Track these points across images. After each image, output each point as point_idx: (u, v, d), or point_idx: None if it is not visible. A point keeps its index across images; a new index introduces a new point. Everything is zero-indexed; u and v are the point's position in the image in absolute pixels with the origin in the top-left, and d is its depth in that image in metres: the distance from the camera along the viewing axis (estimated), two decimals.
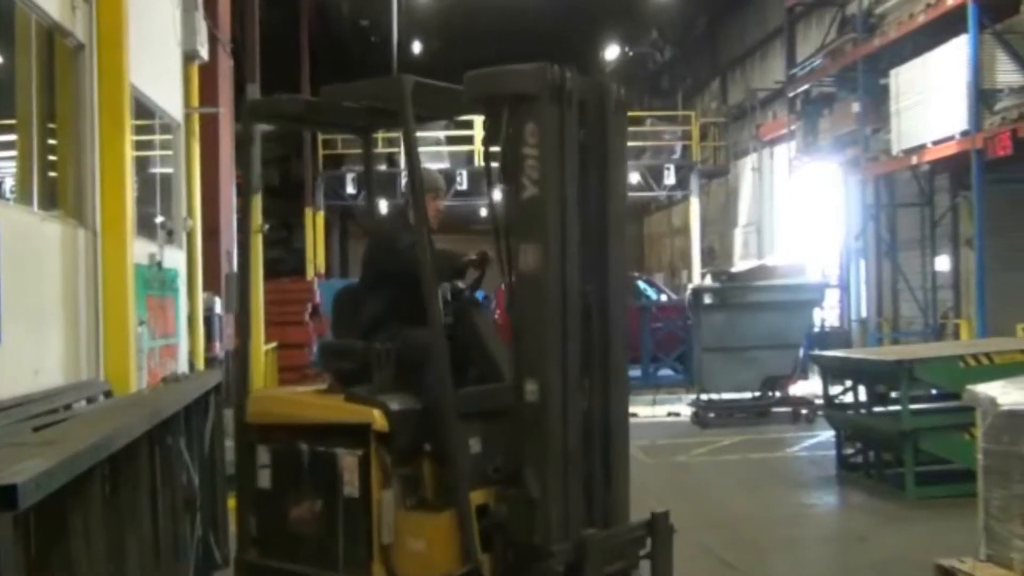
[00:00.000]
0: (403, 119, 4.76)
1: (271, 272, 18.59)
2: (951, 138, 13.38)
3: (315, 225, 23.61)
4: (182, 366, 11.23)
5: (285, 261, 24.39)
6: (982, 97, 12.75)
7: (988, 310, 12.78)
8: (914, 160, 14.63)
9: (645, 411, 13.97)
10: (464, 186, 24.79)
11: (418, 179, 4.75)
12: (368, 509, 4.47)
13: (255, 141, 4.47)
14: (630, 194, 25.21)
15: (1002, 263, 13.41)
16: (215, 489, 5.98)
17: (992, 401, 5.63)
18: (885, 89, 15.34)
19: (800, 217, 21.32)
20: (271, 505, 4.78)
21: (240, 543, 5.01)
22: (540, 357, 4.38)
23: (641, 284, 20.88)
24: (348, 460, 4.52)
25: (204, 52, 12.33)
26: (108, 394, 6.88)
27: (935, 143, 13.78)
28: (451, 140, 25.05)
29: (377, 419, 4.51)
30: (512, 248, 4.55)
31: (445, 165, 24.88)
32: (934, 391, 9.13)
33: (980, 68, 12.77)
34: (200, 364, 12.00)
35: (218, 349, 13.34)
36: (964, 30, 12.86)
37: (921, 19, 14.24)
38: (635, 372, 15.79)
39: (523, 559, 4.32)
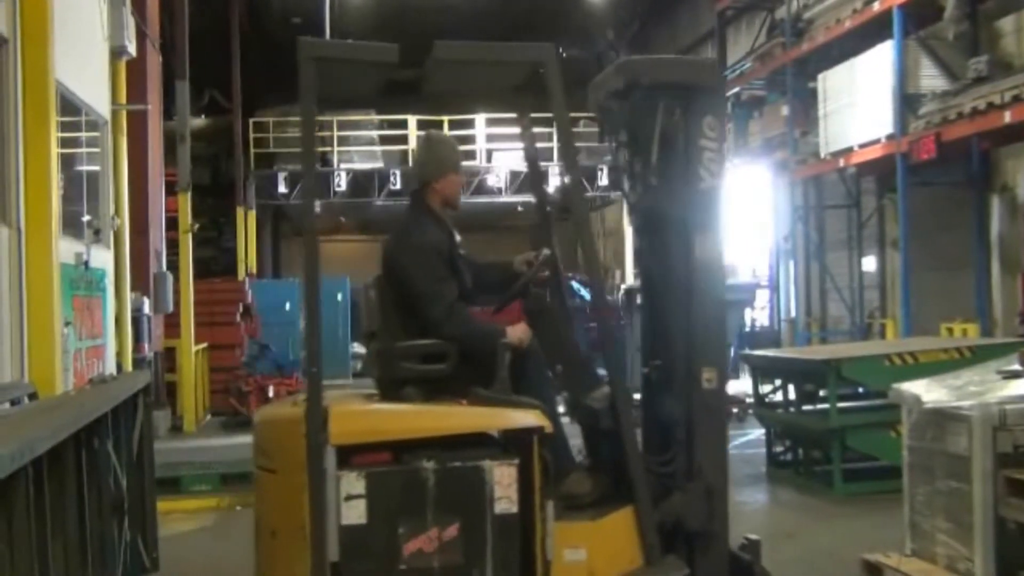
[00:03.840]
0: (551, 95, 4.39)
1: (201, 272, 18.34)
2: (877, 141, 13.65)
3: (246, 224, 23.35)
4: (109, 367, 11.04)
5: (216, 260, 24.08)
6: (907, 101, 13.03)
7: (913, 309, 13.06)
8: (841, 163, 14.90)
9: None
10: (398, 186, 24.69)
11: (574, 165, 4.66)
12: (528, 525, 4.04)
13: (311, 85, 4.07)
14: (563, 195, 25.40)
15: (926, 263, 13.72)
16: (144, 492, 5.89)
17: (917, 399, 5.75)
18: (813, 92, 15.61)
19: (731, 218, 21.59)
20: (368, 543, 3.95)
21: None
22: (719, 345, 4.50)
23: (575, 284, 20.99)
24: (503, 472, 4.00)
25: (132, 48, 12.13)
26: (33, 396, 6.73)
27: (861, 146, 14.05)
28: (384, 139, 24.93)
29: (545, 422, 4.13)
30: (685, 239, 4.49)
31: (379, 164, 24.78)
32: (861, 389, 9.31)
33: (905, 73, 13.05)
34: (128, 365, 11.82)
35: (146, 350, 13.15)
36: (889, 35, 13.13)
37: (848, 24, 14.51)
38: None
39: (702, 547, 4.38)
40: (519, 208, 27.19)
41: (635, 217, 4.77)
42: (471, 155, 25.09)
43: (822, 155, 15.27)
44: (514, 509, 4.01)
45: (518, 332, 4.40)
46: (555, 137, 4.68)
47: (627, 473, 4.27)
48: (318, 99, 4.22)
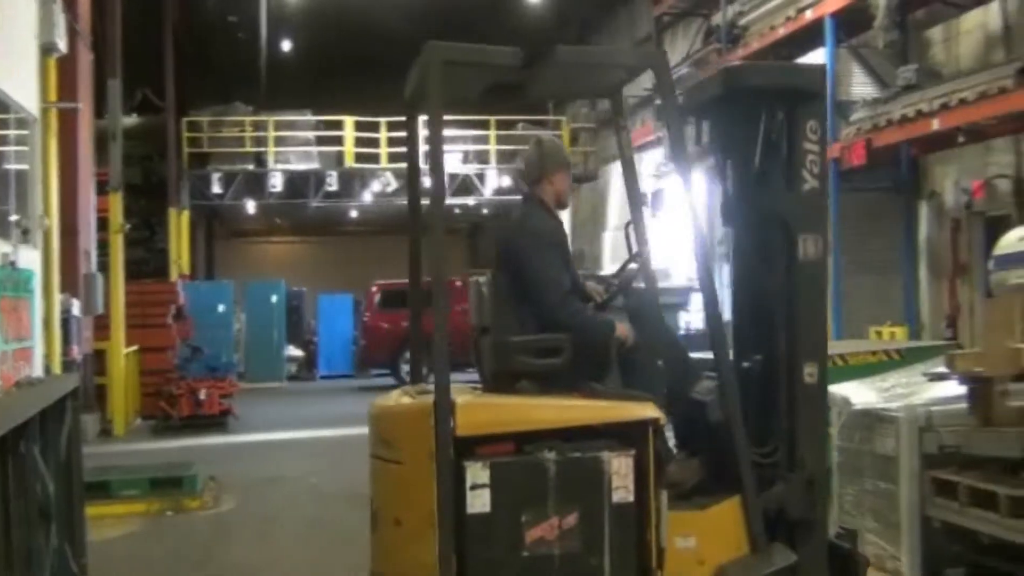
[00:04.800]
0: (664, 94, 4.60)
1: (133, 273, 18.07)
2: None
3: (179, 225, 23.02)
4: (37, 370, 10.82)
5: (148, 262, 23.70)
6: (838, 108, 13.23)
7: (843, 313, 13.27)
8: None
9: None
10: (334, 187, 24.52)
11: (682, 155, 4.70)
12: (643, 514, 4.19)
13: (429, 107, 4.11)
14: (502, 197, 25.47)
15: (856, 268, 13.96)
16: (72, 497, 5.79)
17: (846, 401, 5.86)
18: None
19: (667, 222, 21.76)
20: (492, 531, 4.09)
21: None
22: (819, 341, 4.66)
23: None
24: (620, 462, 4.15)
25: (62, 45, 11.91)
26: None
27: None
28: (320, 140, 24.74)
29: (660, 414, 4.28)
30: (789, 239, 4.62)
31: (315, 165, 24.59)
32: None
33: (837, 80, 13.26)
34: (56, 368, 11.60)
35: (76, 352, 12.92)
36: (822, 43, 13.33)
37: (782, 31, 14.72)
38: None
39: (804, 535, 4.49)
40: (456, 211, 27.16)
41: (732, 217, 4.91)
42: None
43: None
44: (631, 498, 4.16)
45: (624, 328, 4.57)
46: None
47: (733, 464, 4.40)
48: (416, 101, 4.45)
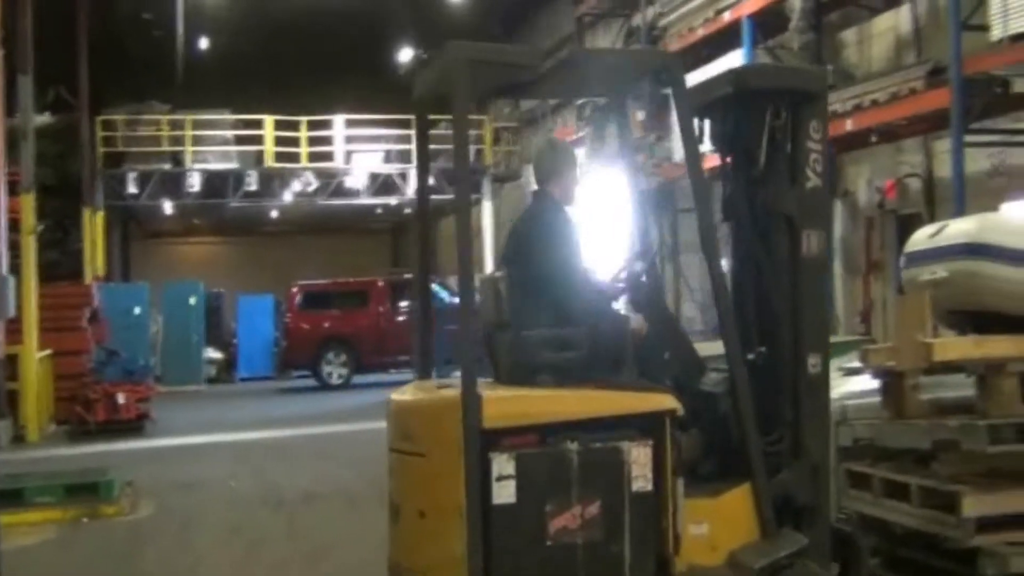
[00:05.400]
0: (676, 95, 4.77)
1: (46, 276, 17.65)
2: None
3: (94, 226, 22.51)
4: None
5: (61, 264, 23.13)
6: None
7: None
8: None
9: None
10: (254, 187, 24.21)
11: (699, 171, 4.77)
12: (661, 502, 4.29)
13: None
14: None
15: None
16: None
17: None
18: (668, 98, 15.93)
19: (588, 220, 21.90)
20: (518, 521, 4.17)
21: None
22: (823, 333, 4.87)
23: (434, 286, 20.98)
24: (639, 452, 4.24)
25: None
26: None
27: (711, 152, 14.44)
28: (240, 139, 24.41)
29: (677, 406, 4.36)
30: (792, 235, 4.77)
31: (233, 165, 24.26)
32: None
33: None
34: None
35: None
36: (740, 44, 13.54)
37: (701, 32, 14.91)
38: None
39: (808, 520, 4.62)
40: (378, 211, 27.01)
41: (734, 213, 5.02)
42: (329, 156, 24.78)
43: (675, 160, 15.63)
44: (649, 487, 4.26)
45: (638, 321, 4.71)
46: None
47: (742, 452, 4.51)
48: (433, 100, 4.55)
